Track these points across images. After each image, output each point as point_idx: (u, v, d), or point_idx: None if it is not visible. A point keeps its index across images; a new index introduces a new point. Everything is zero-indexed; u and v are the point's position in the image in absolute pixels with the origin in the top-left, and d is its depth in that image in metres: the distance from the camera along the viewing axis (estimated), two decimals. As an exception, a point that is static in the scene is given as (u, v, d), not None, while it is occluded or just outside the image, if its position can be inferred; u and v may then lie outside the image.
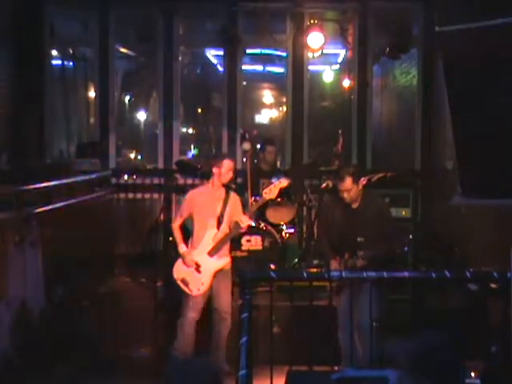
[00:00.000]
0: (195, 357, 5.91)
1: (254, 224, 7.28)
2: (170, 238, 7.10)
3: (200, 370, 2.81)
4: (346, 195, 6.15)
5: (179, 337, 6.49)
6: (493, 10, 3.29)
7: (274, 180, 7.06)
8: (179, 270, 6.51)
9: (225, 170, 6.51)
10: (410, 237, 8.05)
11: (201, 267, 6.47)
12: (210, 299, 6.58)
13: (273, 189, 6.58)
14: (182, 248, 6.53)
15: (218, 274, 6.53)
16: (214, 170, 6.55)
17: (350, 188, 6.11)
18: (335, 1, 10.11)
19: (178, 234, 6.58)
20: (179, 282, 6.49)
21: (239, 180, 8.68)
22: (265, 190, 6.63)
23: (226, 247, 6.63)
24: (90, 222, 7.70)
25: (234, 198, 6.67)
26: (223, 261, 6.54)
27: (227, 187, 6.74)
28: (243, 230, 6.76)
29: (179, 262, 6.53)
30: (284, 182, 6.64)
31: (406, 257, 7.89)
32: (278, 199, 8.20)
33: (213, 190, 6.60)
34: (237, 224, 6.49)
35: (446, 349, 2.94)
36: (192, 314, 6.46)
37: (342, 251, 6.16)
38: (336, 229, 6.29)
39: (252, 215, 6.80)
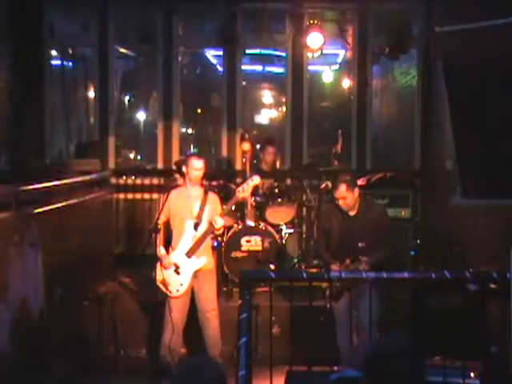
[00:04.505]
0: (201, 356, 5.89)
1: (226, 224, 7.16)
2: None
3: (206, 370, 2.80)
4: (341, 203, 6.18)
5: (164, 339, 6.52)
6: (492, 11, 3.29)
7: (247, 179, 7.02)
8: (159, 273, 6.51)
9: (191, 168, 6.50)
10: (418, 241, 8.04)
11: (180, 268, 6.49)
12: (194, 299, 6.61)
13: (246, 187, 6.57)
14: (159, 251, 6.54)
15: (198, 273, 6.54)
16: (184, 169, 6.59)
17: (345, 195, 6.14)
18: (335, 1, 10.11)
19: (157, 237, 6.55)
20: (159, 284, 6.51)
21: (238, 180, 8.69)
22: (238, 189, 6.62)
23: (206, 247, 6.61)
24: (90, 222, 7.70)
25: (212, 198, 6.66)
26: (202, 260, 6.53)
27: (205, 187, 6.74)
28: (219, 231, 6.70)
29: (158, 264, 6.53)
30: (256, 180, 6.63)
31: (409, 262, 7.89)
32: (279, 199, 8.22)
33: (188, 191, 6.61)
34: (211, 224, 6.48)
35: (402, 357, 2.84)
36: (174, 316, 6.48)
37: (343, 257, 6.16)
38: (335, 236, 6.30)
39: (227, 214, 6.78)
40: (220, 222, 6.47)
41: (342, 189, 6.12)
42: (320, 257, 6.92)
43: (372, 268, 5.87)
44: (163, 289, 6.51)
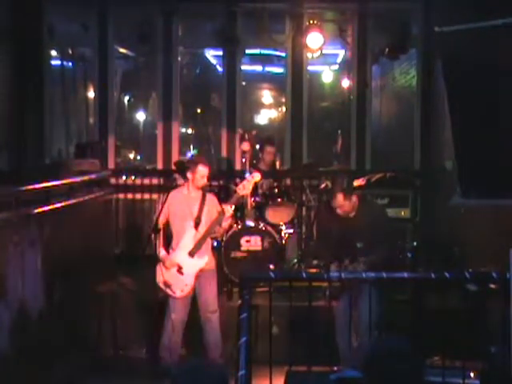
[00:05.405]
0: (202, 360, 5.89)
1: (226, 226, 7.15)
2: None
3: (207, 370, 2.79)
4: (339, 211, 6.11)
5: (164, 339, 6.53)
6: (492, 11, 3.29)
7: (247, 175, 7.04)
8: (161, 274, 6.51)
9: (198, 175, 6.50)
10: (415, 243, 8.03)
11: (183, 269, 6.49)
12: (195, 299, 6.62)
13: (246, 184, 6.57)
14: (160, 252, 6.53)
15: (200, 273, 6.54)
16: (188, 174, 6.55)
17: (342, 204, 6.07)
18: (334, 1, 10.12)
19: (158, 238, 6.55)
20: (161, 285, 6.51)
21: (238, 180, 8.68)
22: (238, 187, 6.64)
23: (206, 246, 6.63)
24: (89, 222, 7.69)
25: (210, 198, 6.68)
26: (204, 260, 6.54)
27: (204, 188, 6.72)
28: (225, 226, 6.72)
29: (160, 265, 6.52)
30: (257, 177, 6.65)
31: (408, 262, 7.88)
32: (278, 199, 8.22)
33: (187, 192, 6.62)
34: (211, 224, 6.48)
35: (402, 357, 2.84)
36: (176, 316, 6.48)
37: (342, 257, 6.15)
38: (334, 237, 6.27)
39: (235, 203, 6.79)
40: (228, 211, 6.49)
41: (339, 198, 6.04)
42: (319, 257, 6.91)
43: (371, 268, 5.86)
44: (166, 290, 6.50)
